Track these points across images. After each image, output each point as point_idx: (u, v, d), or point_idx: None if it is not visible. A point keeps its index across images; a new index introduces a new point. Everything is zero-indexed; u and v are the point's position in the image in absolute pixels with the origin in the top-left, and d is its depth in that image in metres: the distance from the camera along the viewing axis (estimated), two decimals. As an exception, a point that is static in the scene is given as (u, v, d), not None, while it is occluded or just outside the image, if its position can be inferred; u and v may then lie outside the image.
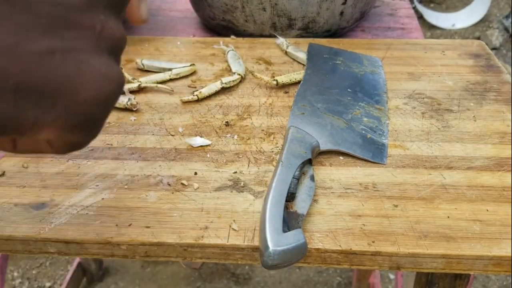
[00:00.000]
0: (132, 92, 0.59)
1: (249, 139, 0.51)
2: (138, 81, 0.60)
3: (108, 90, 0.21)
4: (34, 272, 1.48)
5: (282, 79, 0.59)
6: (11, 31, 0.18)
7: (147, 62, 0.64)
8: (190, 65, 0.63)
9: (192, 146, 0.50)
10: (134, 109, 0.56)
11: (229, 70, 0.63)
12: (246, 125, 0.53)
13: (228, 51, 0.66)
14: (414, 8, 2.75)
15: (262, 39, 0.71)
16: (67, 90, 0.20)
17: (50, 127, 0.20)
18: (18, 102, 0.19)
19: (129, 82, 0.60)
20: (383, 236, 0.39)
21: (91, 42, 0.21)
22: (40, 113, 0.19)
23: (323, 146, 0.48)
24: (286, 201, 0.40)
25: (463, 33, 2.81)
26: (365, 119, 0.53)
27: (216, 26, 0.76)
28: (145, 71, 0.64)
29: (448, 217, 0.41)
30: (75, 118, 0.21)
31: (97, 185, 0.45)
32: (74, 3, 0.20)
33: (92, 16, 0.21)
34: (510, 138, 0.50)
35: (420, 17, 2.83)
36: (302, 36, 0.73)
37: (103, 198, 0.44)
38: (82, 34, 0.21)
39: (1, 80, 0.18)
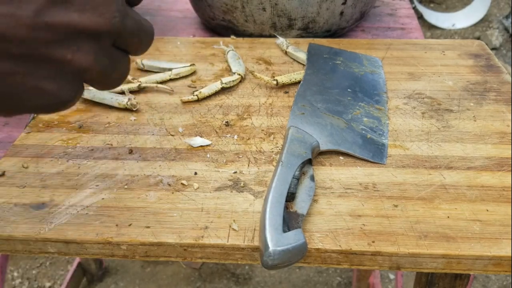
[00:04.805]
0: (132, 92, 0.59)
1: (249, 139, 0.51)
2: (138, 81, 0.60)
3: (46, 104, 0.29)
4: (34, 272, 1.48)
5: (282, 79, 0.59)
6: None
7: (147, 62, 0.64)
8: (190, 65, 0.63)
9: (192, 146, 0.50)
10: (134, 109, 0.56)
11: (229, 70, 0.63)
12: (246, 125, 0.53)
13: (228, 51, 0.66)
14: (414, 8, 2.74)
15: (262, 39, 0.71)
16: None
17: None
18: None
19: (129, 82, 0.60)
20: (383, 236, 0.39)
21: (52, 70, 0.28)
22: None
23: (323, 146, 0.48)
24: (286, 201, 0.40)
25: (463, 33, 2.80)
26: (365, 119, 0.53)
27: (216, 26, 0.76)
28: (145, 71, 0.64)
29: (448, 217, 0.41)
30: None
31: (97, 185, 0.45)
32: (49, 38, 0.27)
33: (63, 48, 0.27)
34: (510, 138, 0.50)
35: (420, 17, 2.83)
36: (302, 36, 0.73)
37: (103, 198, 0.44)
38: (46, 64, 0.27)
39: None
